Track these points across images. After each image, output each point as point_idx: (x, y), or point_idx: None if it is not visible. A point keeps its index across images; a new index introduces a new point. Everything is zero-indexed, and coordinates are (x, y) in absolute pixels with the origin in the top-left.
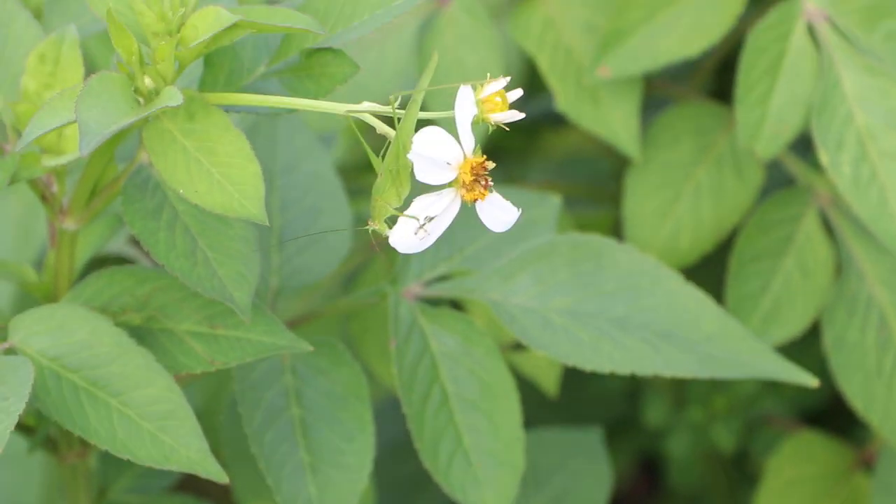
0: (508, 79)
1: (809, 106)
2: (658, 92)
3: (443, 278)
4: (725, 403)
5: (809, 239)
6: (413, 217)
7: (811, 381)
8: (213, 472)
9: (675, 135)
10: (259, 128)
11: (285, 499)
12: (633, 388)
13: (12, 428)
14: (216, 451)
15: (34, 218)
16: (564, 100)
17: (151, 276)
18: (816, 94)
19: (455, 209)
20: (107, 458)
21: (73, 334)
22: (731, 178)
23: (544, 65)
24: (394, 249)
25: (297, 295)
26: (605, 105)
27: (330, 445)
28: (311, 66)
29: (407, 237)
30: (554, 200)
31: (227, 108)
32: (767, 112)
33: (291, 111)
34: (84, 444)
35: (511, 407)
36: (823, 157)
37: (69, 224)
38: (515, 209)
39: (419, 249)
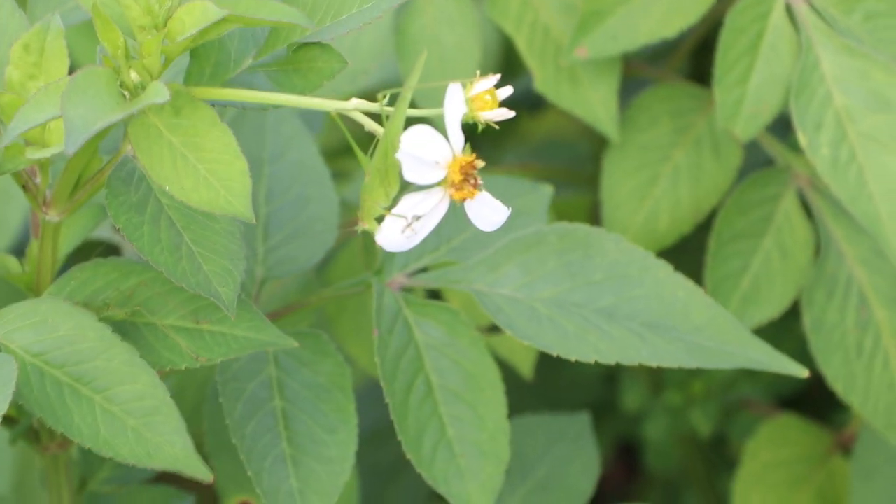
0: (498, 76)
1: (788, 87)
2: (636, 73)
3: (427, 268)
4: (703, 388)
5: (788, 219)
6: (400, 216)
7: (801, 372)
8: (197, 470)
9: (653, 116)
10: (246, 116)
11: (266, 491)
12: (611, 373)
13: None
14: (200, 441)
15: (6, 204)
16: (543, 80)
17: (136, 270)
18: (795, 74)
19: (443, 208)
20: (88, 449)
21: (56, 329)
22: (709, 159)
23: (522, 44)
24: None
25: (286, 284)
26: (583, 85)
27: (312, 437)
28: (298, 60)
29: (394, 236)
30: (545, 189)
31: (214, 103)
32: (746, 92)
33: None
34: (66, 435)
35: (496, 398)
36: (802, 138)
37: (52, 215)
38: (505, 209)
39: (406, 248)
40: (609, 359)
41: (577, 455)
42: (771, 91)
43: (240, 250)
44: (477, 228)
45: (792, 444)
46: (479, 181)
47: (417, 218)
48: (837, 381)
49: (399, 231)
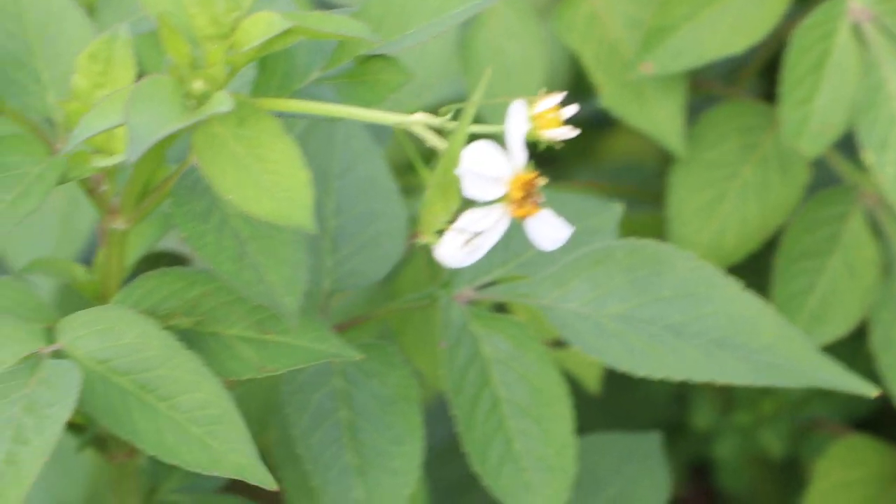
0: (564, 94)
1: (854, 105)
2: (705, 90)
3: (495, 282)
4: (773, 407)
5: (856, 238)
6: (461, 231)
7: (870, 391)
8: (261, 478)
9: (721, 133)
10: (317, 129)
11: (332, 501)
12: (681, 392)
13: (59, 436)
14: (267, 452)
15: (77, 212)
16: (609, 96)
17: (201, 279)
18: (861, 93)
19: (504, 225)
20: (155, 458)
21: (122, 337)
22: (776, 176)
23: (589, 60)
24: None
25: (354, 297)
26: (650, 101)
27: (378, 449)
28: (364, 72)
29: (454, 251)
30: (616, 208)
31: (281, 114)
32: (812, 111)
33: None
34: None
35: (562, 413)
36: (868, 156)
37: (119, 223)
38: (568, 227)
39: (466, 264)
40: (677, 375)
41: (647, 474)
42: (837, 109)
43: (303, 261)
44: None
45: (863, 464)
46: (541, 199)
47: (478, 234)
48: None
49: (459, 246)
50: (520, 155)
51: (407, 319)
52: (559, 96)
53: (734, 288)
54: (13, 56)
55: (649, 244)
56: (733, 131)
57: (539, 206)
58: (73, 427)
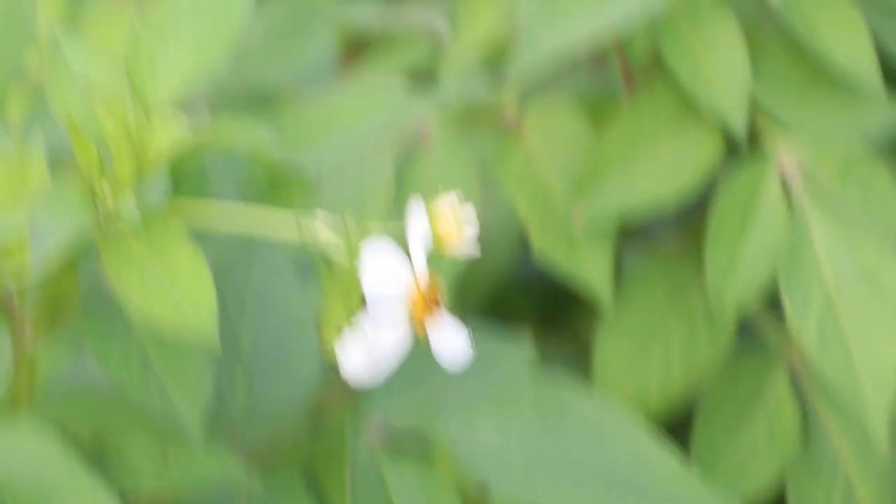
0: (469, 203)
1: (779, 259)
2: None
3: (407, 408)
4: None
5: (778, 399)
6: (361, 338)
7: None
8: None
9: (648, 288)
10: (234, 250)
11: None
12: None
13: None
14: None
15: None
16: (541, 241)
17: (106, 395)
18: (785, 248)
19: (407, 342)
20: None
21: (23, 459)
22: (702, 333)
23: (522, 205)
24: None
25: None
26: (580, 250)
27: None
28: (277, 195)
29: (357, 364)
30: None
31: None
32: (737, 264)
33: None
34: None
35: None
36: (790, 315)
37: (31, 341)
38: (467, 349)
39: (372, 380)
40: None
41: None
42: (763, 262)
43: (208, 383)
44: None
45: None
46: (441, 308)
47: (380, 344)
48: None
49: (362, 358)
50: (420, 256)
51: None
52: (454, 196)
53: (641, 433)
54: None
55: (559, 393)
56: (661, 286)
57: (439, 314)
58: None
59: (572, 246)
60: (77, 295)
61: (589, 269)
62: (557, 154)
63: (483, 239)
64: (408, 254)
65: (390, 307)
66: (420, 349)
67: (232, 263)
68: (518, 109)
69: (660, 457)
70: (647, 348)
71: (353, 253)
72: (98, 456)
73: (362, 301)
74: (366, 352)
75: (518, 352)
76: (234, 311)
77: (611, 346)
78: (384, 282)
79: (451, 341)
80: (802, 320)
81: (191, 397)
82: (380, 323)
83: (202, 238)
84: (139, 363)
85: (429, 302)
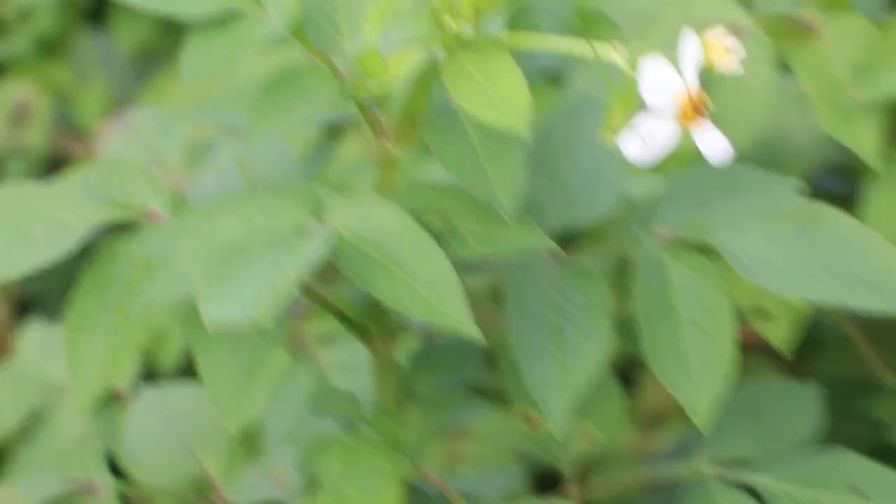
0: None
1: None
2: None
3: (686, 222)
4: None
5: None
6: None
7: None
8: (471, 330)
9: None
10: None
11: (533, 378)
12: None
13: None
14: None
15: None
16: (824, 115)
17: (447, 189)
18: None
19: (673, 131)
20: (415, 360)
21: (375, 219)
22: None
23: (811, 86)
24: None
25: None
26: (857, 123)
27: (572, 340)
28: (588, 31)
29: (632, 147)
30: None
31: (519, 53)
32: None
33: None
34: (389, 333)
35: (726, 328)
36: None
37: (390, 146)
38: (727, 148)
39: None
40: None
41: (801, 407)
42: None
43: (522, 172)
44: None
45: None
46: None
47: (651, 136)
48: None
49: (636, 144)
50: (690, 71)
51: None
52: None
53: (882, 244)
54: (322, 9)
55: (820, 208)
56: None
57: (704, 122)
58: (343, 317)
59: (849, 120)
60: (428, 110)
61: (862, 137)
62: (844, 49)
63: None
64: (680, 71)
65: (663, 110)
66: (698, 178)
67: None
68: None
69: None
70: None
71: (633, 66)
72: (440, 235)
73: (641, 105)
74: (641, 141)
75: (786, 181)
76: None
77: (881, 202)
78: (659, 89)
79: (713, 142)
80: None
81: (508, 184)
82: (653, 122)
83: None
84: (471, 160)
85: (696, 109)
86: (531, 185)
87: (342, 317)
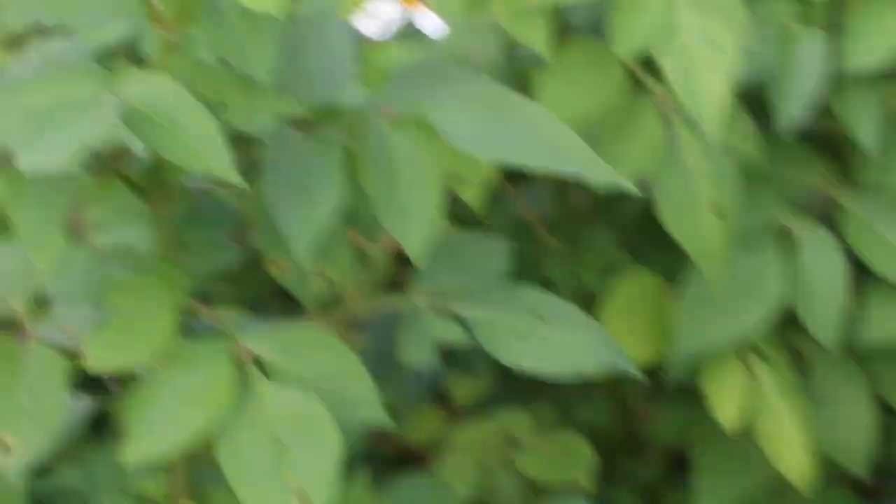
0: None
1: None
2: None
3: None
4: None
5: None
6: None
7: (630, 188)
8: (233, 178)
9: None
10: None
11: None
12: None
13: None
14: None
15: None
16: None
17: (217, 69)
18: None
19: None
20: (186, 217)
21: (156, 92)
22: None
23: None
24: None
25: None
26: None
27: None
28: None
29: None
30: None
31: None
32: None
33: None
34: (166, 192)
35: (434, 183)
36: (668, 69)
37: (170, 34)
38: (441, 24)
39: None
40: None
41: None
42: None
43: (275, 48)
44: None
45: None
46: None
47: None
48: None
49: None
50: None
51: None
52: None
53: (559, 124)
54: None
55: (507, 94)
56: None
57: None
58: (128, 181)
59: (524, 19)
60: (199, 5)
61: (535, 34)
62: None
63: None
64: None
65: None
66: (417, 69)
67: None
68: None
69: (571, 139)
70: None
71: None
72: (212, 106)
73: None
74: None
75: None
76: None
77: (551, 87)
78: None
79: (427, 18)
80: (674, 72)
81: (264, 60)
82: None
83: None
84: (236, 42)
85: None
86: (285, 69)
87: (128, 181)
